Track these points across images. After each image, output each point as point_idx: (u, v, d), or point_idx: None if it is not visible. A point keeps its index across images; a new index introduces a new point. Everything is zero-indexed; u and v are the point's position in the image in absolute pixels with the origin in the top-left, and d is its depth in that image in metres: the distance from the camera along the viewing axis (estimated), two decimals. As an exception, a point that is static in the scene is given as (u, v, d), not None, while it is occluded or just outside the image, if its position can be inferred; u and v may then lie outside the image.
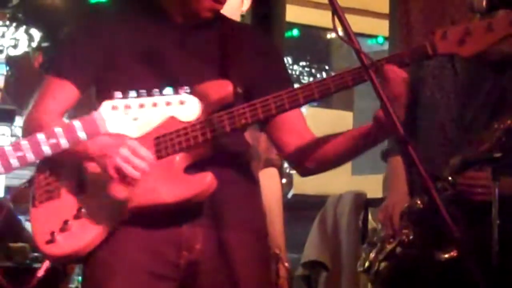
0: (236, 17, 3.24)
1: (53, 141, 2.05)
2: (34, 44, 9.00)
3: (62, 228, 2.48)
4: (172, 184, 2.49)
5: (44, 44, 8.86)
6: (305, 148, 2.62)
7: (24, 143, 2.06)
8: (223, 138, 2.52)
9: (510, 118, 3.03)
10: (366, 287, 4.93)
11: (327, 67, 12.96)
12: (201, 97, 2.49)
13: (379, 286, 3.42)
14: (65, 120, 2.54)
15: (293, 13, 9.67)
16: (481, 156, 3.03)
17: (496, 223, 2.92)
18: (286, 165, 4.05)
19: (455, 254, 3.02)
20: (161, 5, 2.65)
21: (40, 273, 4.30)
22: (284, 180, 4.57)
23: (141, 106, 2.03)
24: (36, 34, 8.96)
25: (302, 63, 12.75)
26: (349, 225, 5.15)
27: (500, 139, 2.99)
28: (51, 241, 2.49)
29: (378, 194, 5.36)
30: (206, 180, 2.48)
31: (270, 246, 3.12)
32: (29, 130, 2.49)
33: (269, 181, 3.45)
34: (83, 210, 2.49)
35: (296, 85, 2.58)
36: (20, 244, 5.35)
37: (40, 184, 2.58)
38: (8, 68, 9.53)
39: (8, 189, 9.01)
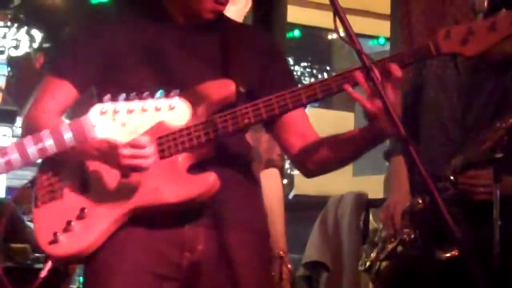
0: (241, 18, 3.25)
1: (40, 145, 2.05)
2: (35, 45, 9.01)
3: (65, 229, 2.48)
4: (175, 184, 2.48)
5: (45, 45, 8.87)
6: (308, 150, 2.62)
7: (11, 146, 2.07)
8: (225, 138, 2.52)
9: (512, 117, 3.04)
10: (367, 287, 4.93)
11: (328, 68, 12.93)
12: (203, 96, 2.50)
13: (380, 285, 3.43)
14: (64, 119, 2.56)
15: (294, 14, 9.66)
16: (483, 156, 3.03)
17: (498, 224, 2.92)
18: (287, 165, 4.05)
19: (456, 254, 3.02)
20: (163, 6, 2.65)
21: (43, 274, 4.29)
22: (285, 181, 4.57)
23: (130, 111, 2.02)
24: (38, 35, 8.96)
25: (303, 64, 12.72)
26: (350, 225, 5.14)
27: (503, 138, 2.99)
28: (54, 241, 2.48)
29: (379, 194, 5.37)
30: (210, 180, 2.47)
31: (272, 247, 3.13)
32: (28, 128, 2.53)
33: (271, 182, 3.46)
34: (86, 210, 2.48)
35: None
36: (21, 245, 5.36)
37: (43, 185, 2.57)
38: (9, 68, 9.53)
39: (9, 189, 9.02)
